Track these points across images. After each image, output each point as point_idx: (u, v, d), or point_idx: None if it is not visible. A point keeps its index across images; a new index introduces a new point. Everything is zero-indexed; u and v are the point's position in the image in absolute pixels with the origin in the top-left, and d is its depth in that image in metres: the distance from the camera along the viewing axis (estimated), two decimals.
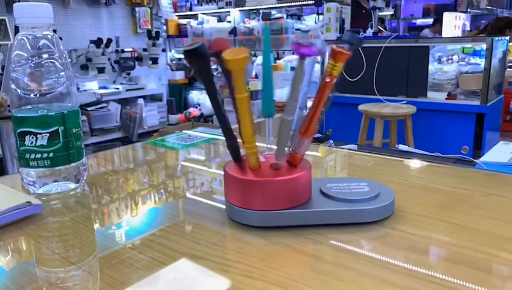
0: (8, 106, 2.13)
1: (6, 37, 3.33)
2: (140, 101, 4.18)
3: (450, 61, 2.91)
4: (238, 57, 0.34)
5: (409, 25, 6.97)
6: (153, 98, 4.49)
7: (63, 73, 0.50)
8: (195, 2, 4.57)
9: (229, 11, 4.32)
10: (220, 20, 4.58)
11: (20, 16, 0.49)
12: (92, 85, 4.02)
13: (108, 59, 3.98)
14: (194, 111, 4.48)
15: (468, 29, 5.41)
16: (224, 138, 0.42)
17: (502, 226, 0.41)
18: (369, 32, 3.54)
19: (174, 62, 4.89)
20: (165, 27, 4.76)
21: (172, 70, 4.82)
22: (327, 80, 0.38)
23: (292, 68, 3.81)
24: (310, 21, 3.93)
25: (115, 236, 0.43)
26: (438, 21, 5.30)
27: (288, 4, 3.92)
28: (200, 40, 0.37)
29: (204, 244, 0.38)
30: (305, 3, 3.78)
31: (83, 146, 0.54)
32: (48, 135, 0.49)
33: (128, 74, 4.36)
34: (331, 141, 1.58)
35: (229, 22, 4.32)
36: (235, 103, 0.38)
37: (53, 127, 0.50)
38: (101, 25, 4.21)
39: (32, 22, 0.49)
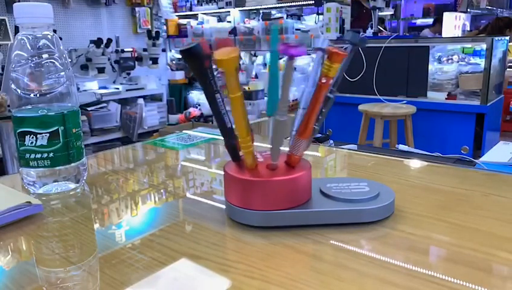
0: (8, 106, 2.13)
1: (6, 37, 3.33)
2: (140, 101, 4.18)
3: (450, 61, 2.91)
4: (227, 57, 0.34)
5: (409, 25, 6.97)
6: (153, 98, 4.49)
7: (63, 73, 0.50)
8: (195, 2, 4.57)
9: (229, 11, 4.32)
10: (220, 20, 4.58)
11: (20, 16, 0.49)
12: (92, 85, 4.02)
13: (108, 59, 3.98)
14: (194, 111, 4.48)
15: (468, 29, 5.41)
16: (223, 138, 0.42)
17: (502, 226, 0.41)
18: (369, 32, 3.54)
19: (174, 62, 4.89)
20: (165, 27, 4.76)
21: (172, 70, 4.82)
22: (323, 80, 0.38)
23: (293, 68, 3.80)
24: (310, 21, 3.93)
25: (115, 236, 0.43)
26: (438, 21, 5.30)
27: (288, 4, 3.92)
28: (200, 40, 0.37)
29: (204, 244, 0.38)
30: (305, 3, 3.78)
31: (83, 146, 0.54)
32: (47, 135, 0.49)
33: (128, 74, 4.36)
34: (331, 141, 1.58)
35: (229, 22, 4.32)
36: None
37: (53, 127, 0.50)
38: (101, 25, 4.21)
39: (32, 22, 0.49)
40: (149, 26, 4.51)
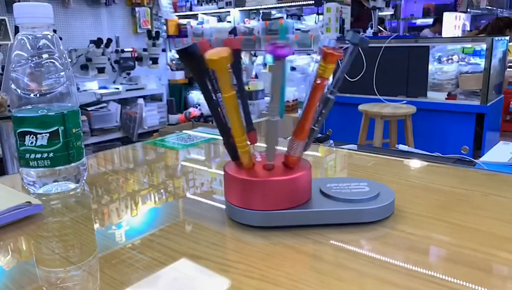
0: (8, 106, 2.13)
1: (6, 37, 3.33)
2: (140, 101, 4.18)
3: (450, 61, 2.91)
4: (216, 57, 0.34)
5: (409, 25, 6.97)
6: (153, 98, 4.49)
7: (63, 73, 0.50)
8: (195, 2, 4.57)
9: (229, 11, 4.32)
10: (220, 20, 4.58)
11: (20, 16, 0.49)
12: (92, 85, 4.02)
13: (108, 59, 3.98)
14: (194, 111, 4.48)
15: (468, 29, 5.41)
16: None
17: (502, 226, 0.41)
18: (369, 32, 3.54)
19: (174, 62, 4.89)
20: (165, 27, 4.76)
21: (172, 70, 4.82)
22: (318, 81, 0.38)
23: (293, 68, 3.81)
24: (310, 21, 3.93)
25: (115, 236, 0.43)
26: (438, 21, 5.31)
27: (288, 4, 3.92)
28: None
29: (204, 244, 0.38)
30: (305, 3, 3.78)
31: (83, 146, 0.54)
32: (47, 135, 0.49)
33: (128, 74, 4.36)
34: (331, 141, 1.59)
35: (229, 22, 4.32)
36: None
37: (53, 127, 0.50)
38: (101, 25, 4.21)
39: (32, 22, 0.49)
40: (149, 26, 4.52)
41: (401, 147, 1.68)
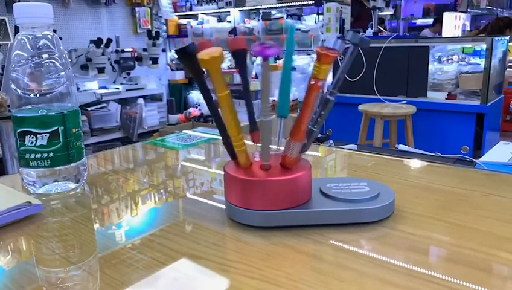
0: (8, 106, 2.13)
1: (6, 37, 3.33)
2: (140, 101, 4.18)
3: (450, 61, 2.91)
4: (208, 57, 0.34)
5: (409, 25, 6.97)
6: (153, 98, 4.49)
7: (63, 73, 0.50)
8: (195, 2, 4.57)
9: (229, 11, 4.32)
10: (220, 20, 4.58)
11: (20, 16, 0.49)
12: (92, 85, 4.02)
13: (108, 59, 3.98)
14: (194, 111, 4.48)
15: (468, 29, 5.41)
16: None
17: (502, 226, 0.41)
18: (369, 32, 3.54)
19: (174, 62, 4.89)
20: (165, 27, 4.76)
21: (172, 70, 4.82)
22: (312, 82, 0.38)
23: (293, 68, 3.81)
24: (310, 21, 3.93)
25: (115, 236, 0.43)
26: (438, 21, 5.31)
27: (288, 4, 3.92)
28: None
29: (204, 244, 0.38)
30: (305, 3, 3.78)
31: (83, 146, 0.54)
32: (47, 135, 0.49)
33: (128, 74, 4.35)
34: (331, 141, 1.59)
35: (229, 22, 4.32)
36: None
37: (53, 127, 0.50)
38: (101, 25, 4.21)
39: (32, 22, 0.49)
40: (149, 26, 4.51)
41: (401, 147, 1.68)
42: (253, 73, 4.19)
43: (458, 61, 2.89)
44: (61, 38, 0.55)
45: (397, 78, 2.99)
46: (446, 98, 2.89)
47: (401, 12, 6.74)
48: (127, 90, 4.10)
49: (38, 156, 0.50)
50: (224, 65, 4.47)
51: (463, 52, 2.87)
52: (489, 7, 5.86)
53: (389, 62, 2.96)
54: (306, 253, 0.37)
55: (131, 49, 4.28)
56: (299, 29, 3.72)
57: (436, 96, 2.91)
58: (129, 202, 0.52)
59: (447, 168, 0.61)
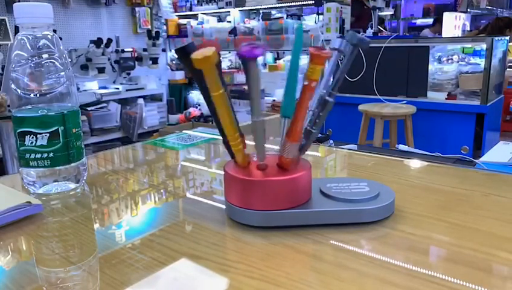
0: (8, 106, 2.13)
1: (6, 37, 3.33)
2: (140, 101, 4.18)
3: (450, 61, 2.91)
4: (201, 56, 0.34)
5: (409, 25, 6.97)
6: (153, 98, 4.49)
7: (63, 73, 0.50)
8: (195, 2, 4.57)
9: (229, 11, 4.32)
10: (220, 20, 4.58)
11: (20, 16, 0.49)
12: (92, 85, 4.02)
13: (108, 59, 3.98)
14: (194, 111, 4.48)
15: (468, 29, 5.41)
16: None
17: (502, 226, 0.41)
18: (369, 32, 3.54)
19: (174, 62, 4.89)
20: (165, 27, 4.76)
21: (172, 70, 4.82)
22: (305, 82, 0.38)
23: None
24: (310, 21, 3.93)
25: (115, 236, 0.43)
26: (438, 21, 5.31)
27: (288, 4, 3.92)
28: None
29: (204, 244, 0.38)
30: (305, 3, 3.78)
31: (83, 146, 0.54)
32: (47, 135, 0.49)
33: (128, 74, 4.35)
34: (331, 141, 1.58)
35: (229, 22, 4.32)
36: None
37: (53, 127, 0.50)
38: (101, 25, 4.21)
39: (32, 22, 0.49)
40: (149, 26, 4.51)
41: (401, 147, 1.68)
42: None
43: (458, 61, 2.89)
44: (61, 38, 0.55)
45: (397, 78, 2.99)
46: (446, 98, 2.89)
47: (401, 12, 6.74)
48: (127, 90, 4.10)
49: (38, 156, 0.50)
50: (224, 65, 4.47)
51: (463, 52, 2.87)
52: (489, 7, 5.86)
53: (389, 62, 2.96)
54: (306, 253, 0.37)
55: (131, 49, 4.28)
56: None
57: (436, 96, 2.91)
58: (129, 202, 0.52)
59: (447, 168, 0.61)
